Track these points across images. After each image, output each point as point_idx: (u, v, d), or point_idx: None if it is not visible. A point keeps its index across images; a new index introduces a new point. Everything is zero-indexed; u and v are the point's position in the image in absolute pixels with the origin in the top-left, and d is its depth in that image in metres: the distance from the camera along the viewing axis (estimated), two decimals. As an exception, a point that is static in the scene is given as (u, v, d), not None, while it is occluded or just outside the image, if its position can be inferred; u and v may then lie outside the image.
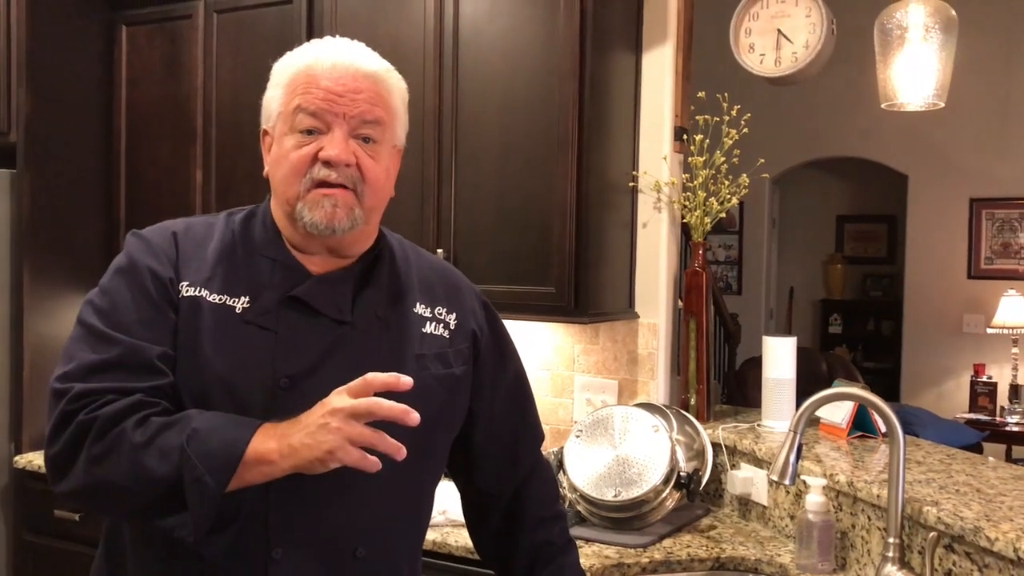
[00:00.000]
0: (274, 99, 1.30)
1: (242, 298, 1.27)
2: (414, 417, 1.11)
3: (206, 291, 1.26)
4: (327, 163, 1.24)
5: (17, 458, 2.88)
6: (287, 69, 1.30)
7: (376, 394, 1.12)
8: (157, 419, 1.16)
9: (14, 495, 2.91)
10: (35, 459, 2.83)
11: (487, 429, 1.47)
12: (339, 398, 1.13)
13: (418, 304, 1.38)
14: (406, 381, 1.13)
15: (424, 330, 1.37)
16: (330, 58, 1.27)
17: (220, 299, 1.26)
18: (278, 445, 1.13)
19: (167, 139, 3.03)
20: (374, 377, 1.13)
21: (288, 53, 1.33)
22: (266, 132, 1.33)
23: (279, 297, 1.27)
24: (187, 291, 1.26)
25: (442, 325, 1.39)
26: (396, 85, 1.33)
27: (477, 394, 1.44)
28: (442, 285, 1.44)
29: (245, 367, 1.23)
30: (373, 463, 1.12)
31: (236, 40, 2.89)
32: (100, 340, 1.21)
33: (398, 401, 1.13)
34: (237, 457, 1.12)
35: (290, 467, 1.13)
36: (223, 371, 1.22)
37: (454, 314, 1.41)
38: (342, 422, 1.10)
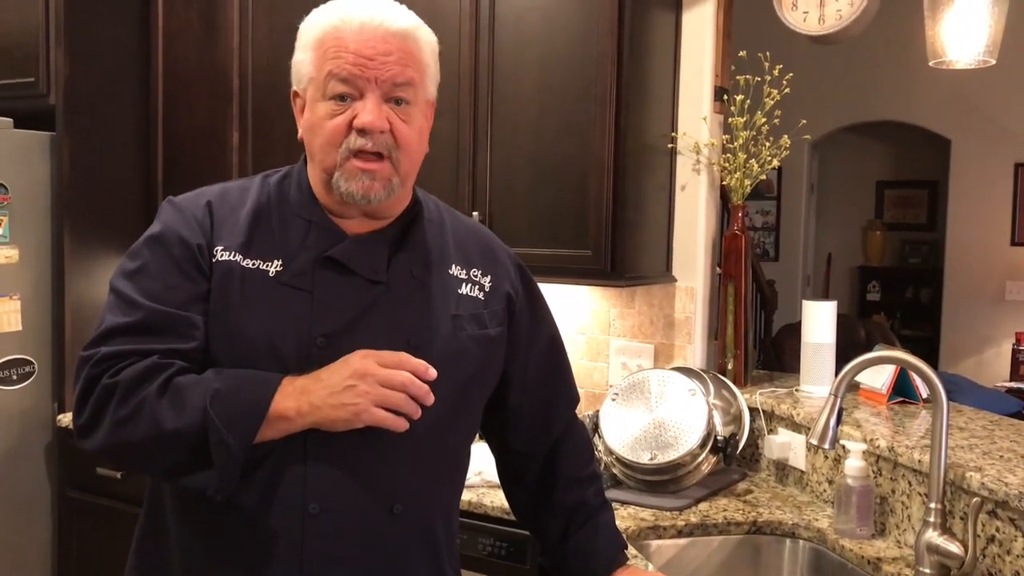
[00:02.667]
0: (304, 62, 1.28)
1: (275, 261, 1.27)
2: (432, 373, 1.20)
3: (240, 255, 1.27)
4: (361, 131, 1.23)
5: (60, 417, 2.93)
6: (313, 30, 1.27)
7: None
8: (179, 380, 1.18)
9: (57, 453, 2.96)
10: (77, 418, 2.88)
11: (521, 390, 1.47)
12: (368, 362, 1.17)
13: (453, 266, 1.38)
14: (433, 372, 1.20)
15: (460, 291, 1.36)
16: (357, 18, 1.24)
17: (254, 264, 1.26)
18: (296, 404, 1.17)
19: (204, 101, 3.03)
20: (409, 358, 1.19)
21: (314, 11, 1.30)
22: (297, 94, 1.32)
23: (315, 257, 1.27)
24: (221, 256, 1.26)
25: (477, 287, 1.39)
26: (426, 40, 1.30)
27: (512, 355, 1.44)
28: (477, 247, 1.43)
29: (281, 328, 1.24)
30: (401, 423, 1.18)
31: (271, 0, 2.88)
32: (126, 304, 1.24)
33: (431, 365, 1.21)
34: (260, 418, 1.15)
35: (309, 424, 1.18)
36: (259, 333, 1.23)
37: (489, 276, 1.41)
38: (371, 387, 1.16)
